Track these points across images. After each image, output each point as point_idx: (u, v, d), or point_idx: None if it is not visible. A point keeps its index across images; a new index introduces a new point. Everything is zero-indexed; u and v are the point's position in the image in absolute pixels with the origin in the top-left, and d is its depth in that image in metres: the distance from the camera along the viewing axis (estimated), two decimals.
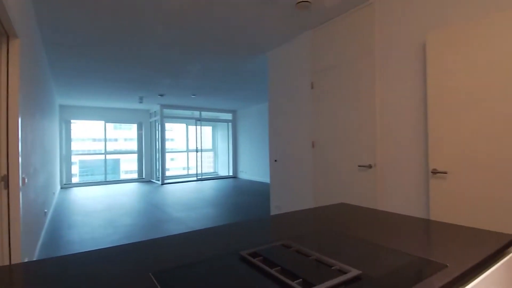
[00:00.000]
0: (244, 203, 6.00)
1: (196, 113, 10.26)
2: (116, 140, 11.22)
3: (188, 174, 11.07)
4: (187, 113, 10.38)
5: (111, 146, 10.29)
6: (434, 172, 2.10)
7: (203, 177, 10.41)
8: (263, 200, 6.26)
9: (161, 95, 7.73)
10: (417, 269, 0.73)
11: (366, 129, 2.80)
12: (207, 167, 12.04)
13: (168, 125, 10.84)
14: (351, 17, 2.98)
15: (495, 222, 1.84)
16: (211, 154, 12.08)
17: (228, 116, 11.04)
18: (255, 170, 9.84)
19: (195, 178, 10.18)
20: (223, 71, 5.39)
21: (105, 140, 9.65)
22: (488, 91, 1.88)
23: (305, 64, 3.56)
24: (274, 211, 4.18)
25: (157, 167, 9.67)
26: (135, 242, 0.99)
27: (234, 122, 11.01)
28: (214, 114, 11.11)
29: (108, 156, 9.79)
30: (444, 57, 2.08)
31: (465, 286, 0.76)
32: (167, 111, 9.42)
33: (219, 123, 11.54)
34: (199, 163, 10.24)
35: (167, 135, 10.72)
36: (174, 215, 5.03)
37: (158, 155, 9.52)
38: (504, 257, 0.98)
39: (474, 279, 0.80)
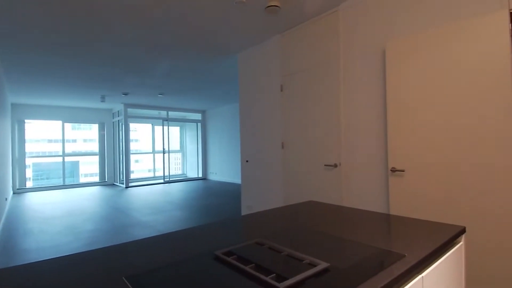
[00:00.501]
0: (214, 204, 5.95)
1: (163, 113, 9.98)
2: (74, 141, 10.55)
3: (154, 177, 10.73)
4: (154, 113, 10.07)
5: (69, 148, 9.65)
6: (393, 170, 2.26)
7: (170, 179, 10.14)
8: (234, 201, 6.26)
9: (125, 94, 7.42)
10: (379, 259, 0.80)
11: (332, 130, 2.93)
12: (175, 169, 11.77)
13: (132, 125, 10.42)
14: (318, 24, 3.10)
15: (446, 215, 2.03)
16: (179, 155, 11.82)
17: (197, 116, 10.88)
18: (225, 171, 9.80)
19: (162, 181, 9.89)
20: (191, 71, 5.31)
21: (63, 141, 9.04)
22: (440, 96, 2.07)
23: (275, 67, 3.63)
24: (245, 211, 4.21)
25: (121, 170, 9.25)
26: (104, 247, 0.96)
27: (203, 122, 10.87)
28: (183, 114, 10.89)
29: (67, 159, 9.18)
30: (401, 64, 2.25)
31: (421, 272, 0.85)
32: (131, 111, 9.06)
33: (188, 123, 11.34)
34: (166, 165, 9.97)
35: (132, 135, 10.30)
36: (141, 219, 4.86)
37: (122, 156, 9.12)
38: (455, 246, 1.10)
39: (429, 266, 0.89)
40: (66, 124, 9.10)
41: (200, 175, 10.81)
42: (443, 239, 0.98)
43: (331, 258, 0.81)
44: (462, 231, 1.13)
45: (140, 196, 7.26)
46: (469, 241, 1.95)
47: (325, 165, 3.01)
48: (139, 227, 4.32)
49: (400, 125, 2.25)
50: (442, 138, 2.06)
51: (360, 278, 0.69)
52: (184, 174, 11.63)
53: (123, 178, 9.05)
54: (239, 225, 1.21)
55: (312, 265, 0.75)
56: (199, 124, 10.89)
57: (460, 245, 1.12)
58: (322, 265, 0.73)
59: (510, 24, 1.84)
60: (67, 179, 9.21)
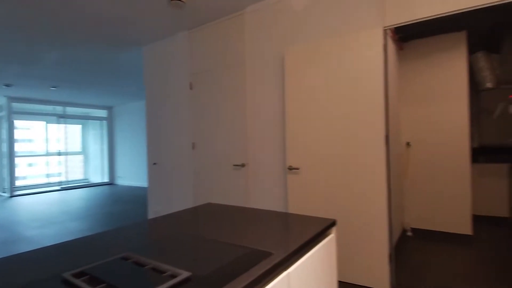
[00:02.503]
0: (119, 212, 5.41)
1: (59, 109, 8.62)
2: None
3: (49, 183, 9.17)
4: (48, 108, 8.60)
5: None
6: (290, 168, 2.42)
7: (69, 185, 8.83)
8: (141, 206, 5.81)
9: (8, 86, 6.13)
10: (246, 260, 0.80)
11: (239, 130, 2.98)
12: (76, 173, 10.30)
13: (24, 123, 8.69)
14: (225, 24, 3.11)
15: (336, 208, 2.28)
16: (80, 157, 10.39)
17: (103, 113, 9.73)
18: (135, 175, 9.03)
19: (58, 187, 8.54)
20: (90, 62, 4.70)
21: None
22: (328, 100, 2.30)
23: (183, 64, 3.50)
24: (152, 217, 3.94)
25: (4, 176, 7.61)
26: None
27: (110, 120, 9.79)
28: (84, 110, 9.60)
29: None
30: (298, 70, 2.43)
31: (287, 268, 0.89)
32: (17, 106, 7.55)
33: (91, 121, 10.05)
34: (64, 169, 8.63)
35: (24, 135, 8.59)
36: (25, 233, 4.06)
37: (6, 160, 7.51)
38: (325, 238, 1.21)
39: (297, 261, 0.95)
40: None
41: (106, 180, 9.71)
42: (311, 234, 1.06)
43: (197, 265, 0.77)
44: (332, 224, 1.25)
45: (28, 206, 6.09)
46: (346, 231, 2.23)
47: (233, 165, 3.04)
48: (20, 244, 3.60)
49: (296, 126, 2.43)
50: (330, 139, 2.30)
51: (221, 283, 0.67)
52: (86, 179, 10.26)
53: (7, 185, 7.46)
54: (112, 237, 1.08)
55: (174, 276, 0.70)
56: (105, 122, 9.77)
57: (331, 238, 1.24)
58: (183, 275, 0.69)
59: (383, 40, 2.17)
60: None
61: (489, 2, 1.83)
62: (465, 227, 3.32)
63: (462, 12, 1.97)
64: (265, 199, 2.79)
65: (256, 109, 2.85)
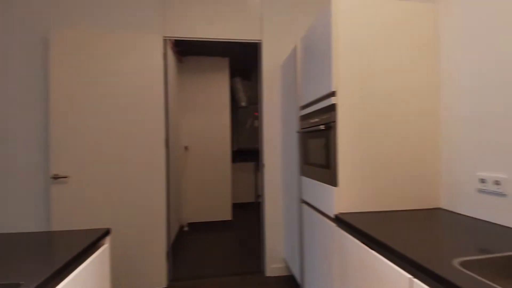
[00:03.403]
0: None
1: None
2: None
3: None
4: None
5: None
6: (56, 177, 2.00)
7: None
8: None
9: None
10: None
11: None
12: None
13: None
14: None
15: (115, 215, 2.11)
16: None
17: None
18: None
19: None
20: None
21: None
22: (108, 101, 2.11)
23: None
24: None
25: None
26: None
27: None
28: None
29: None
30: (67, 60, 2.05)
31: None
32: None
33: None
34: None
35: None
36: None
37: None
38: (97, 250, 1.09)
39: (60, 283, 0.80)
40: None
41: None
42: (77, 250, 0.93)
43: None
44: (105, 233, 1.16)
45: None
46: (126, 238, 2.15)
47: None
48: None
49: (65, 127, 2.04)
50: (103, 142, 2.12)
51: None
52: None
53: None
54: None
55: None
56: None
57: (104, 249, 1.15)
58: None
59: (163, 48, 2.27)
60: None
61: (229, 38, 2.41)
62: (227, 214, 4.12)
63: (225, 42, 2.47)
64: (14, 216, 2.13)
65: (8, 103, 2.12)
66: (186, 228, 3.83)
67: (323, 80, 1.45)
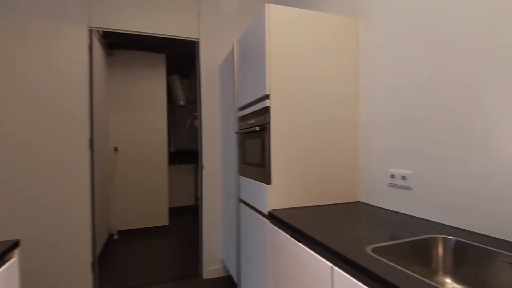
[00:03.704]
0: None
1: None
2: None
3: None
4: None
5: None
6: None
7: None
8: None
9: None
10: None
11: None
12: None
13: None
14: None
15: (26, 223, 1.83)
16: None
17: None
18: None
19: None
20: None
21: None
22: (19, 93, 1.83)
23: None
24: None
25: None
26: None
27: None
28: None
29: None
30: None
31: None
32: None
33: None
34: None
35: None
36: None
37: None
38: (3, 266, 0.93)
39: None
40: None
41: None
42: None
43: None
44: (14, 245, 1.01)
45: None
46: (44, 249, 1.89)
47: None
48: None
49: None
50: (15, 144, 1.84)
51: None
52: None
53: None
54: None
55: None
56: None
57: (11, 263, 0.99)
58: None
59: (89, 39, 2.06)
60: None
61: (165, 34, 2.32)
62: (163, 219, 3.92)
63: (161, 38, 2.35)
64: None
65: None
66: (116, 237, 3.53)
67: (258, 83, 1.49)
